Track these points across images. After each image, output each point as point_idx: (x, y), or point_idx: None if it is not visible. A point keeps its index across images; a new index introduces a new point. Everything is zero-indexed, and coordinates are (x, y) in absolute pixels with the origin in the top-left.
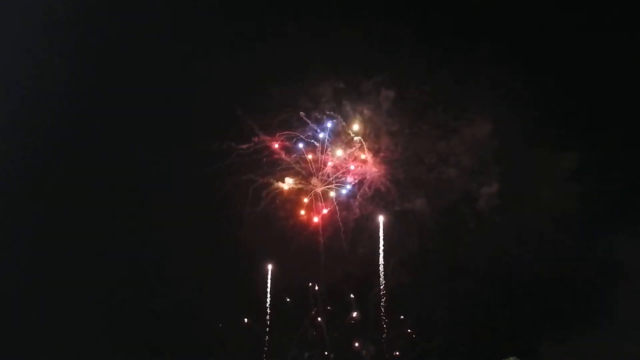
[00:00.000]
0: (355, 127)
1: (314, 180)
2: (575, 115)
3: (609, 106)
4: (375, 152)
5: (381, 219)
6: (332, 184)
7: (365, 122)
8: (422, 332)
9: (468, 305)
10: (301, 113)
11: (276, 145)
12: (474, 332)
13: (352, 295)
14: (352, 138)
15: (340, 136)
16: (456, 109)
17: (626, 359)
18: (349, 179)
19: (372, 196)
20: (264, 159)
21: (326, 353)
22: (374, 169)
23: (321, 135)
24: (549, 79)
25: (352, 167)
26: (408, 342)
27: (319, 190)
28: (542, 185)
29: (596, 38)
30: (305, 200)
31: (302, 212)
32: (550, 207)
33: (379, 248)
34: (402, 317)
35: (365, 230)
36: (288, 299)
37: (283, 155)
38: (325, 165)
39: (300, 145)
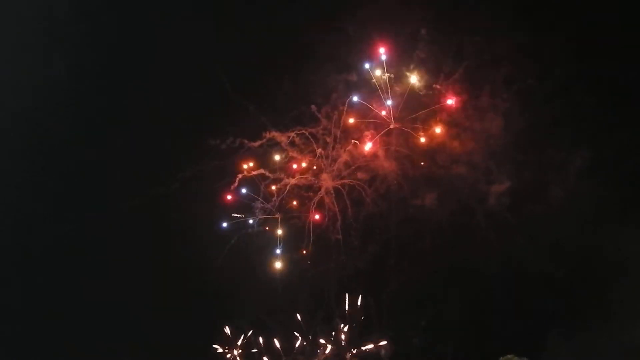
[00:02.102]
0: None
1: (323, 176)
2: (589, 113)
3: (623, 104)
4: (387, 148)
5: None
6: (345, 179)
7: (377, 117)
8: (434, 330)
9: (478, 302)
10: (312, 107)
11: (287, 141)
12: (483, 330)
13: (364, 294)
14: (364, 133)
15: (351, 133)
16: (469, 106)
17: (635, 355)
18: (360, 174)
19: (384, 193)
20: (275, 155)
21: (339, 352)
22: (385, 165)
23: (332, 130)
24: (563, 76)
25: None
26: (422, 342)
27: (329, 185)
28: (554, 183)
29: (613, 35)
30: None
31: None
32: (561, 205)
33: (390, 245)
34: (414, 316)
35: (376, 227)
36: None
37: (294, 152)
38: (335, 161)
39: (312, 140)
